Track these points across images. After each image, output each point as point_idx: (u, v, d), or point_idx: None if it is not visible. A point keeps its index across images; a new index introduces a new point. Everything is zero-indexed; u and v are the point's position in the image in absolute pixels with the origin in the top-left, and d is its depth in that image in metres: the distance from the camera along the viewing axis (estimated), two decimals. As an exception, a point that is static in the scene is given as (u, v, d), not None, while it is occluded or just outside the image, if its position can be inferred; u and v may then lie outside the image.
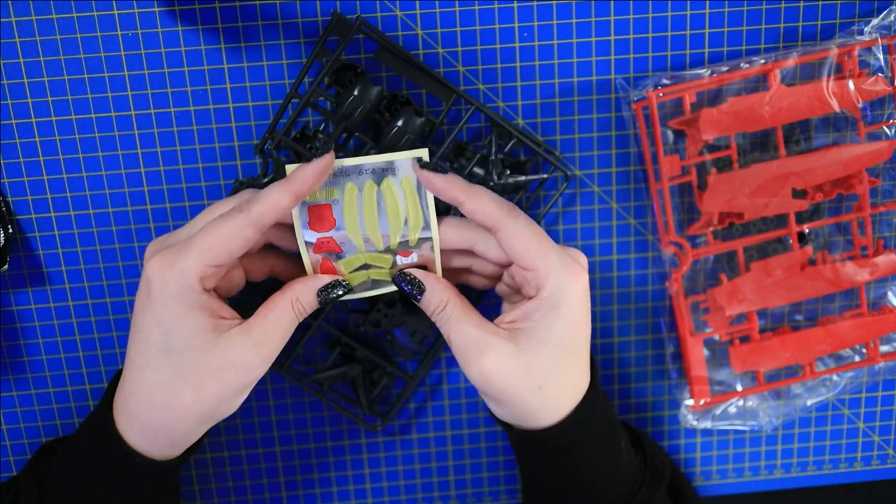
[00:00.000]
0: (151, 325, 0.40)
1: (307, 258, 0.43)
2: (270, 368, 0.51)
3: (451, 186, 0.42)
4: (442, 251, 0.44)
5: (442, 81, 0.47)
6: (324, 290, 0.43)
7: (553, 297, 0.41)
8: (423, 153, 0.42)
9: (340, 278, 0.43)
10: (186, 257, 0.39)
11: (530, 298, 0.42)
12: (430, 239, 0.43)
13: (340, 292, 0.43)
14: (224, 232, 0.39)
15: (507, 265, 0.44)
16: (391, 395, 0.54)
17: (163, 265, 0.39)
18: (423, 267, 0.44)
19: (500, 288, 0.47)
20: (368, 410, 0.52)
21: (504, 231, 0.41)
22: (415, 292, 0.43)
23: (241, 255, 0.41)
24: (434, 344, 0.52)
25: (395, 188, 0.42)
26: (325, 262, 0.43)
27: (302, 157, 0.48)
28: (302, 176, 0.40)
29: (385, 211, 0.42)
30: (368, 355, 0.51)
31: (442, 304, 0.43)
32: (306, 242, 0.42)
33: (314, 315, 0.50)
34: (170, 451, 0.43)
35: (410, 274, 0.44)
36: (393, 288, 0.44)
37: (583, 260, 0.43)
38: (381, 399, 0.54)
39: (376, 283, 0.44)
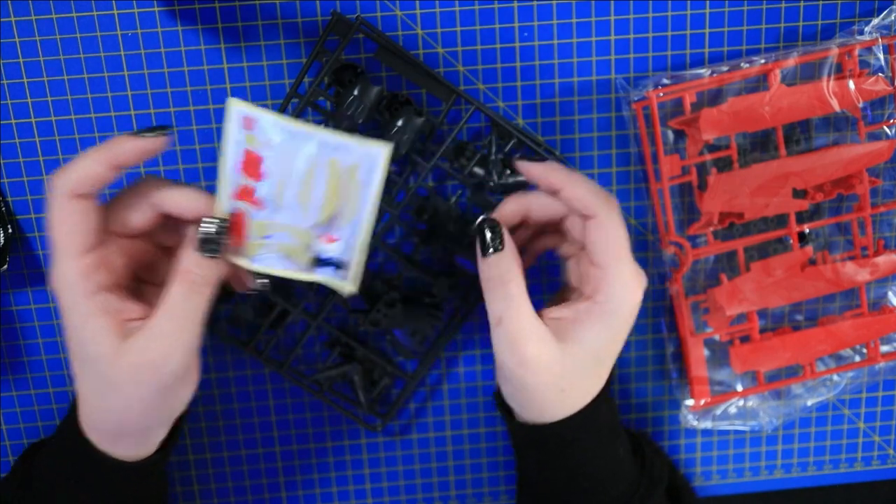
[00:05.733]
0: (67, 339, 0.39)
1: (224, 194, 0.39)
2: (269, 368, 0.51)
3: (549, 173, 0.42)
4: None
5: (442, 81, 0.47)
6: (200, 241, 0.38)
7: (609, 304, 0.41)
8: (385, 148, 0.40)
9: (209, 218, 0.38)
10: (58, 265, 0.37)
11: (583, 298, 0.42)
12: (357, 235, 0.41)
13: (215, 228, 0.38)
14: (56, 218, 0.37)
15: (562, 219, 0.44)
16: (391, 396, 0.54)
17: (52, 280, 0.38)
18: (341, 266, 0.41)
19: (564, 249, 0.46)
20: (368, 410, 0.52)
21: (596, 220, 0.41)
22: (491, 245, 0.42)
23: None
24: (434, 344, 0.52)
25: (340, 171, 0.40)
26: (239, 215, 0.40)
27: None
28: (121, 149, 0.37)
29: (324, 187, 0.40)
30: (368, 355, 0.51)
31: (509, 274, 0.41)
32: (230, 184, 0.39)
33: (313, 315, 0.50)
34: (137, 450, 0.42)
35: (500, 226, 0.42)
36: (304, 276, 0.41)
37: (644, 278, 0.42)
38: (381, 399, 0.54)
39: (286, 262, 0.41)
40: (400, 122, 0.46)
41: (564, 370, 0.41)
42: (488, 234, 0.42)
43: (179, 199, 0.39)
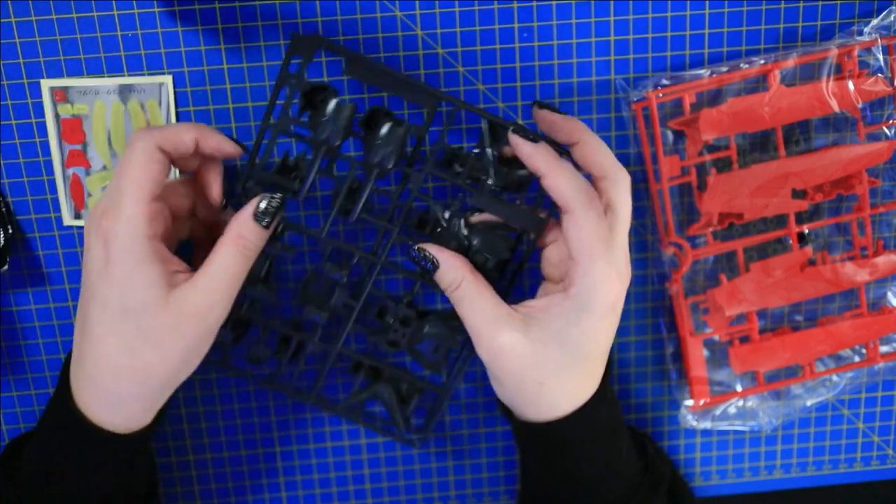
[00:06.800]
0: (107, 288, 0.40)
1: (59, 170, 0.47)
2: (297, 400, 0.50)
3: (536, 157, 0.42)
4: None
5: (420, 87, 0.44)
6: (260, 213, 0.42)
7: (579, 299, 0.41)
8: (168, 77, 0.47)
9: (268, 195, 0.42)
10: (125, 205, 0.39)
11: (559, 289, 0.43)
12: None
13: (276, 203, 0.42)
14: (134, 163, 0.40)
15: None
16: (423, 408, 0.52)
17: (108, 221, 0.39)
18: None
19: (548, 254, 0.46)
20: (405, 427, 0.51)
21: (572, 216, 0.41)
22: (429, 266, 0.44)
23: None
24: (460, 353, 0.49)
25: (141, 109, 0.45)
26: (75, 177, 0.48)
27: (284, 188, 0.46)
28: (208, 132, 0.42)
29: (132, 129, 0.46)
30: (395, 373, 0.50)
31: (455, 282, 0.43)
32: (61, 156, 0.47)
33: (331, 343, 0.48)
34: (141, 417, 0.42)
35: (424, 250, 0.44)
36: None
37: (625, 275, 0.43)
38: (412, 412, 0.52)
39: None
40: (382, 133, 0.44)
41: (535, 358, 0.42)
42: (421, 263, 0.44)
43: (216, 140, 0.43)
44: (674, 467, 0.56)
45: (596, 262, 0.41)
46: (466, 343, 0.49)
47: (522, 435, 0.46)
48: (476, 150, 0.46)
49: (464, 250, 0.46)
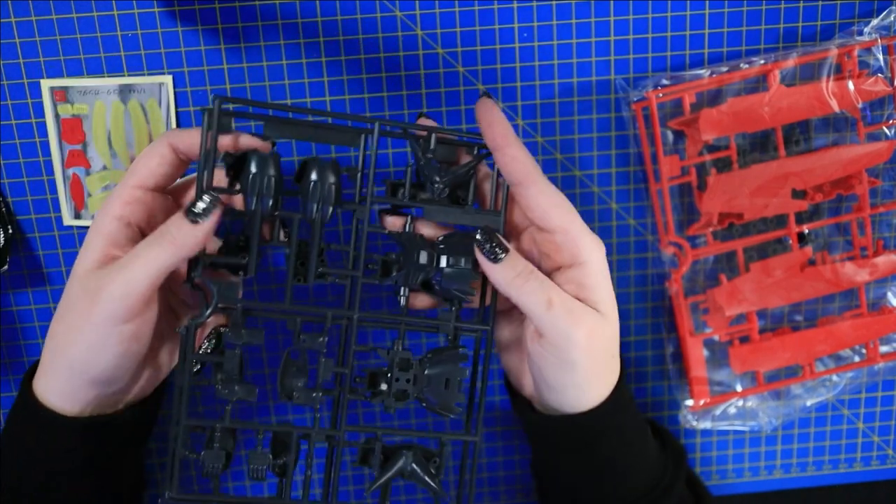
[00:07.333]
0: None
1: (59, 170, 0.47)
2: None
3: (501, 127, 0.41)
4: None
5: (338, 126, 0.42)
6: (189, 206, 0.40)
7: (592, 259, 0.41)
8: (168, 77, 0.47)
9: (207, 196, 0.40)
10: (116, 187, 0.41)
11: (565, 268, 0.42)
12: None
13: (207, 204, 0.40)
14: (143, 154, 0.41)
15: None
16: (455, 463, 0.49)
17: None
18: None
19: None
20: (444, 493, 0.45)
21: (535, 187, 0.41)
22: (498, 252, 0.41)
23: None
24: (472, 383, 0.46)
25: (141, 109, 0.46)
26: (75, 177, 0.47)
27: (236, 268, 0.42)
28: (233, 137, 0.41)
29: (132, 129, 0.46)
30: (411, 442, 0.45)
31: (529, 265, 0.41)
32: (61, 156, 0.47)
33: (335, 432, 0.44)
34: (61, 396, 0.41)
35: (494, 233, 0.42)
36: None
37: None
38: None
39: None
40: (313, 177, 0.41)
41: (614, 333, 0.42)
42: (486, 246, 0.41)
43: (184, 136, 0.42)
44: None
45: (579, 221, 0.41)
46: (476, 362, 0.45)
47: (554, 433, 0.44)
48: (412, 164, 0.43)
49: (435, 259, 0.43)
